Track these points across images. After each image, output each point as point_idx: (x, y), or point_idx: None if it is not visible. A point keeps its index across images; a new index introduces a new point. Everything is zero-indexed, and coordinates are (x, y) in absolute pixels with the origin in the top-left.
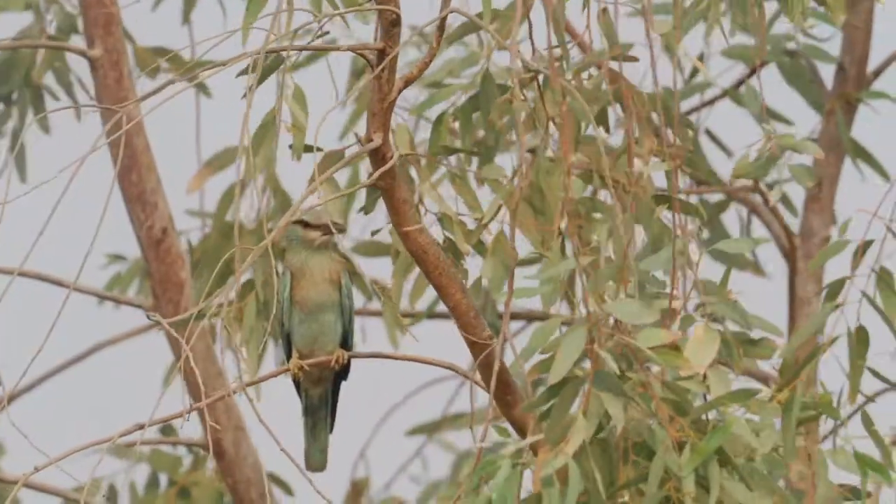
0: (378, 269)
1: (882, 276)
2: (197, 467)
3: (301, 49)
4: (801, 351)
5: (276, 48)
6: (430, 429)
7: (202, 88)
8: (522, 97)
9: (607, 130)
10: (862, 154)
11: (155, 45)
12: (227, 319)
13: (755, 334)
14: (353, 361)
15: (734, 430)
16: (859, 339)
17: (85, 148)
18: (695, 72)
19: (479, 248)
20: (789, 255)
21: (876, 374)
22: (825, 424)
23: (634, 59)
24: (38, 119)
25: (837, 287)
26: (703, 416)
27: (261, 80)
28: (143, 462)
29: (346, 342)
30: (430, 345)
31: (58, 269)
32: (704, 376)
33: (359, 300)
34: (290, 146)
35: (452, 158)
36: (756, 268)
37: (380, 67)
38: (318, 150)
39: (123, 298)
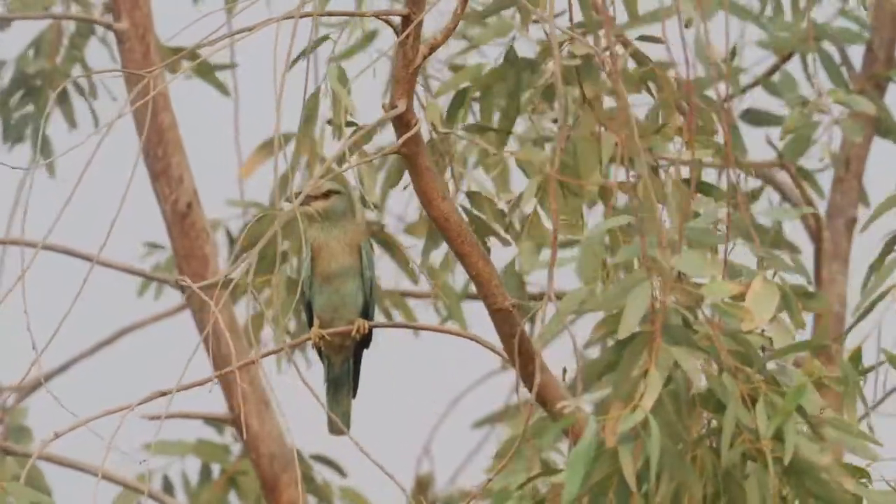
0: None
1: None
2: (244, 456)
3: (323, 15)
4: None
5: (303, 13)
6: (494, 419)
7: (218, 85)
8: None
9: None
10: (891, 133)
11: (183, 28)
12: (255, 286)
13: (811, 288)
14: (412, 353)
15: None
16: None
17: (111, 133)
18: (731, 58)
19: (510, 228)
20: (815, 234)
21: None
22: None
23: (660, 41)
24: (59, 93)
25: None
26: (766, 368)
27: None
28: (190, 454)
29: (366, 312)
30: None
31: (106, 250)
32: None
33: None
34: (329, 122)
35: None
36: (791, 246)
37: (404, 34)
38: (353, 124)
39: (149, 273)
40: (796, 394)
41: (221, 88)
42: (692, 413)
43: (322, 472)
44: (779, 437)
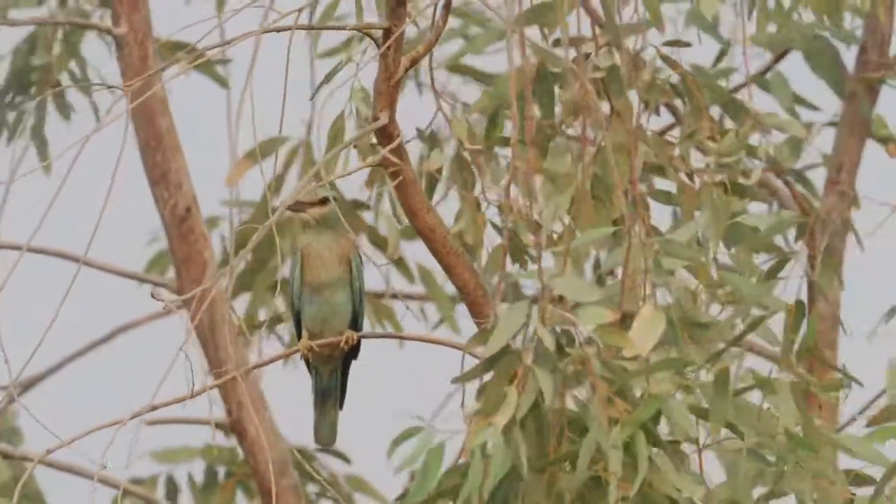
0: (422, 253)
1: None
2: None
3: (305, 28)
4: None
5: (280, 27)
6: None
7: (218, 78)
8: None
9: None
10: (883, 137)
11: (180, 30)
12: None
13: (704, 318)
14: (414, 356)
15: (676, 414)
16: (797, 312)
17: (110, 136)
18: (720, 57)
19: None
20: (809, 238)
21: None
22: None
23: (687, 45)
24: (53, 96)
25: (780, 265)
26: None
27: (326, 81)
28: (197, 457)
29: (355, 322)
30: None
31: (108, 255)
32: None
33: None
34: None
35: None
36: (780, 250)
37: (385, 46)
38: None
39: (142, 276)
40: (642, 412)
41: (221, 81)
42: (562, 435)
43: (328, 465)
44: (633, 464)
